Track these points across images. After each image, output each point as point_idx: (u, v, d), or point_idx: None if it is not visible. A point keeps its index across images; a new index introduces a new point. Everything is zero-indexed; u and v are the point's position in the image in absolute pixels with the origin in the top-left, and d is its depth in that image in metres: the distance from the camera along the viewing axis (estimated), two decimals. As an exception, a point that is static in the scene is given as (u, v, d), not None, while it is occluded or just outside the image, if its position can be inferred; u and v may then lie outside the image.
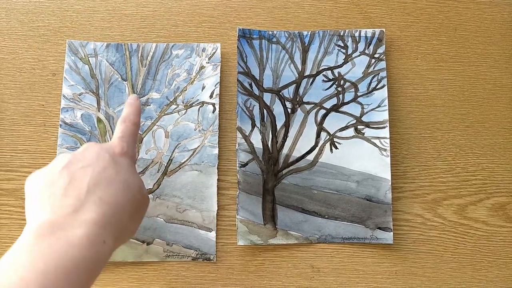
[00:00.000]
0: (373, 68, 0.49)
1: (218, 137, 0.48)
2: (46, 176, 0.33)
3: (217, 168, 0.47)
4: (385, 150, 0.48)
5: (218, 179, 0.47)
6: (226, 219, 0.47)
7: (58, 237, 0.29)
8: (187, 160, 0.48)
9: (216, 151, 0.48)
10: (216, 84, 0.49)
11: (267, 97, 0.49)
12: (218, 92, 0.48)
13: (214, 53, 0.49)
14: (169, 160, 0.48)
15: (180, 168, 0.47)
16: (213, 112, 0.48)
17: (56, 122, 0.48)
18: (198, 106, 0.48)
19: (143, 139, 0.48)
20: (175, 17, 0.50)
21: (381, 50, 0.49)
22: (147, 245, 0.46)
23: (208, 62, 0.49)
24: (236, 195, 0.47)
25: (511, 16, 0.51)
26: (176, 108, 0.48)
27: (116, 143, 0.36)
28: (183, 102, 0.48)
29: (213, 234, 0.47)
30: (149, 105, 0.48)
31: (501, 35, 0.51)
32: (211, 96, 0.48)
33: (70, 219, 0.30)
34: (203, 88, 0.49)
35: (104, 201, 0.31)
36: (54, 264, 0.27)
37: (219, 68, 0.49)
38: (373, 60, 0.49)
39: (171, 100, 0.49)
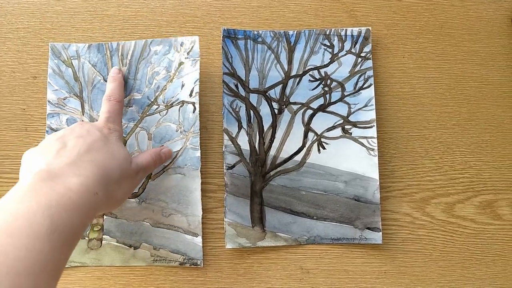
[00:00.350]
0: (360, 67, 0.49)
1: (205, 139, 0.47)
2: (41, 146, 0.36)
3: (200, 172, 0.46)
4: (372, 149, 0.47)
5: (203, 182, 0.47)
6: (213, 222, 0.47)
7: (56, 182, 0.31)
8: (170, 163, 0.47)
9: (198, 153, 0.47)
10: (196, 81, 0.47)
11: (253, 98, 0.48)
12: (198, 90, 0.47)
13: (193, 47, 0.47)
14: None
15: (164, 171, 0.47)
16: (193, 111, 0.47)
17: (38, 126, 0.47)
18: (179, 105, 0.47)
19: (126, 141, 0.47)
20: (158, 17, 0.49)
21: (367, 48, 0.49)
22: (134, 249, 0.46)
23: (187, 58, 0.47)
24: (223, 198, 0.47)
25: (497, 13, 0.51)
26: (157, 108, 0.47)
27: (103, 124, 0.40)
28: (163, 102, 0.47)
29: (199, 239, 0.46)
30: (131, 106, 0.47)
31: (487, 33, 0.50)
32: (190, 95, 0.47)
33: (66, 170, 0.33)
34: (183, 86, 0.47)
35: (94, 163, 0.35)
36: (56, 201, 0.30)
37: (198, 63, 0.47)
38: (359, 59, 0.49)
39: (152, 100, 0.47)
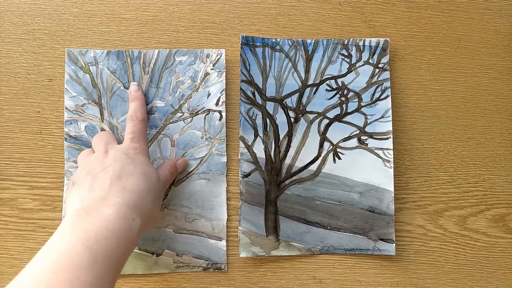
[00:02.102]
0: (377, 78, 0.49)
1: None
2: (75, 182, 0.38)
3: (226, 177, 0.47)
4: (388, 161, 0.47)
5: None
6: (228, 230, 0.47)
7: (92, 216, 0.33)
8: (194, 169, 0.47)
9: (224, 159, 0.47)
10: (222, 91, 0.48)
11: (270, 106, 0.48)
12: (224, 99, 0.48)
13: (219, 59, 0.48)
14: None
15: (188, 177, 0.47)
16: (220, 119, 0.47)
17: (52, 129, 0.47)
18: (204, 114, 0.47)
19: (148, 148, 0.47)
20: (176, 22, 0.49)
21: (385, 60, 0.49)
22: (156, 256, 0.45)
23: (213, 69, 0.48)
24: (238, 206, 0.46)
25: (514, 27, 0.51)
26: (181, 116, 0.47)
27: (128, 145, 0.40)
28: (188, 110, 0.47)
29: (223, 243, 0.46)
30: (154, 114, 0.47)
31: (504, 47, 0.51)
32: (217, 104, 0.47)
33: (100, 204, 0.34)
34: (209, 95, 0.48)
35: (127, 189, 0.36)
36: (94, 233, 0.32)
37: (224, 74, 0.48)
38: (377, 70, 0.49)
39: (176, 108, 0.47)
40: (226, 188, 0.47)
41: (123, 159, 0.38)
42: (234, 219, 0.47)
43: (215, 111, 0.47)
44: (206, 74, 0.48)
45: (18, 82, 0.47)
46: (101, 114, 0.47)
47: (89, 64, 0.47)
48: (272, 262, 0.47)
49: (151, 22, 0.49)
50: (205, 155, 0.47)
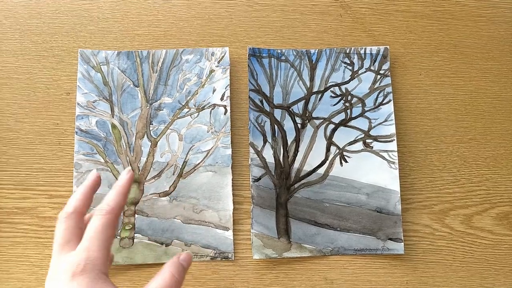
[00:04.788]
0: (379, 84, 0.51)
1: (232, 152, 0.49)
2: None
3: (231, 168, 0.49)
4: (393, 162, 0.49)
5: (233, 193, 0.48)
6: (240, 234, 0.48)
7: None
8: (201, 161, 0.49)
9: (229, 151, 0.49)
10: (226, 86, 0.50)
11: (277, 113, 0.50)
12: (229, 94, 0.50)
13: (223, 56, 0.51)
14: (184, 162, 0.49)
15: (195, 169, 0.49)
16: (225, 114, 0.50)
17: (70, 140, 0.49)
18: (210, 108, 0.50)
19: (157, 143, 0.49)
20: (187, 36, 0.52)
21: (386, 66, 0.51)
22: (165, 246, 0.47)
23: (218, 66, 0.50)
24: (250, 210, 0.48)
25: (508, 33, 0.54)
26: (188, 111, 0.50)
27: (75, 260, 0.30)
28: (195, 106, 0.50)
29: (230, 233, 0.48)
30: (162, 110, 0.50)
31: (499, 51, 0.53)
32: (222, 99, 0.50)
33: None
34: (214, 91, 0.50)
35: None
36: None
37: (228, 71, 0.50)
38: (378, 76, 0.51)
39: (183, 104, 0.50)
40: (237, 193, 0.49)
41: None
42: (247, 223, 0.48)
43: (220, 105, 0.50)
44: (211, 71, 0.50)
45: (38, 96, 0.50)
46: (112, 110, 0.49)
47: (101, 64, 0.50)
48: (284, 264, 0.48)
49: (162, 37, 0.52)
50: (211, 148, 0.49)
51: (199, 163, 0.49)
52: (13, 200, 0.48)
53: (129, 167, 0.42)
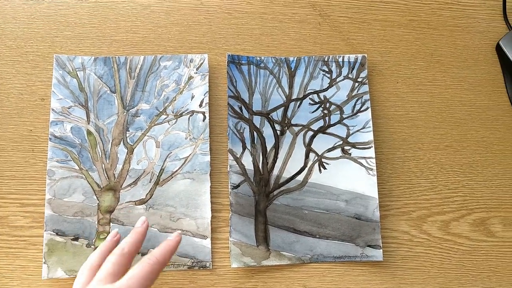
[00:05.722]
0: (357, 91, 0.52)
1: (210, 158, 0.49)
2: None
3: (210, 175, 0.48)
4: (371, 169, 0.49)
5: (211, 201, 0.48)
6: (218, 242, 0.47)
7: None
8: (179, 168, 0.48)
9: (207, 158, 0.48)
10: (205, 93, 0.50)
11: (256, 120, 0.50)
12: (208, 101, 0.50)
13: (202, 63, 0.50)
14: (160, 170, 0.48)
15: (172, 177, 0.48)
16: (203, 120, 0.49)
17: (44, 147, 0.48)
18: (188, 115, 0.49)
19: (134, 150, 0.48)
20: (165, 43, 0.51)
21: (363, 74, 0.52)
22: (142, 255, 0.46)
23: (196, 73, 0.50)
24: (228, 217, 0.47)
25: (482, 43, 0.55)
26: (166, 118, 0.49)
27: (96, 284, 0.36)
28: (173, 112, 0.49)
29: (208, 241, 0.47)
30: (139, 116, 0.49)
31: (473, 60, 0.54)
32: (200, 105, 0.50)
33: None
34: (192, 97, 0.50)
35: None
36: None
37: (207, 78, 0.50)
38: (356, 84, 0.52)
39: (160, 110, 0.49)
40: (215, 200, 0.48)
41: None
42: (225, 231, 0.48)
43: (198, 112, 0.49)
44: (190, 77, 0.50)
45: (11, 102, 0.49)
46: (87, 116, 0.49)
47: (77, 70, 0.49)
48: (263, 272, 0.47)
49: (140, 43, 0.51)
50: (189, 155, 0.48)
51: (176, 170, 0.48)
52: (-17, 209, 0.46)
53: (144, 217, 0.44)
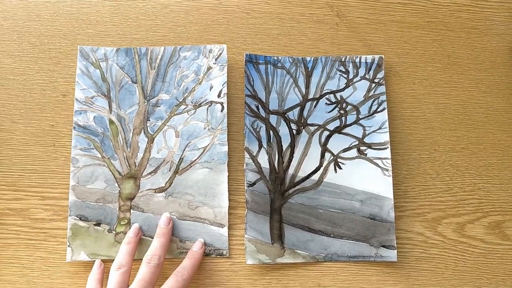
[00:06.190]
0: (374, 92, 0.52)
1: (228, 156, 0.49)
2: None
3: (227, 165, 0.49)
4: (387, 170, 0.49)
5: (228, 192, 0.48)
6: (233, 239, 0.48)
7: None
8: (197, 158, 0.49)
9: (225, 148, 0.49)
10: (224, 83, 0.50)
11: (273, 119, 0.51)
12: (226, 91, 0.50)
13: (221, 54, 0.51)
14: (180, 159, 0.49)
15: (191, 166, 0.49)
16: (222, 111, 0.50)
17: (65, 142, 0.49)
18: (207, 105, 0.50)
19: (154, 139, 0.49)
20: (184, 42, 0.52)
21: (380, 75, 0.52)
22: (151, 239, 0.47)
23: (215, 63, 0.51)
24: (244, 215, 0.48)
25: (499, 45, 0.55)
26: (185, 108, 0.50)
27: None
28: (192, 102, 0.50)
29: (225, 230, 0.48)
30: (159, 106, 0.50)
31: (491, 63, 0.54)
32: (219, 96, 0.50)
33: None
34: (211, 88, 0.51)
35: None
36: None
37: (225, 68, 0.51)
38: (373, 85, 0.52)
39: (180, 100, 0.50)
40: (231, 198, 0.49)
41: None
42: (240, 228, 0.48)
43: (217, 102, 0.50)
44: (209, 68, 0.51)
45: (34, 97, 0.50)
46: (110, 106, 0.50)
47: (100, 60, 0.50)
48: (277, 270, 0.48)
49: (160, 42, 0.52)
50: (208, 144, 0.49)
51: (195, 160, 0.49)
52: (5, 201, 0.47)
53: (167, 215, 0.47)
